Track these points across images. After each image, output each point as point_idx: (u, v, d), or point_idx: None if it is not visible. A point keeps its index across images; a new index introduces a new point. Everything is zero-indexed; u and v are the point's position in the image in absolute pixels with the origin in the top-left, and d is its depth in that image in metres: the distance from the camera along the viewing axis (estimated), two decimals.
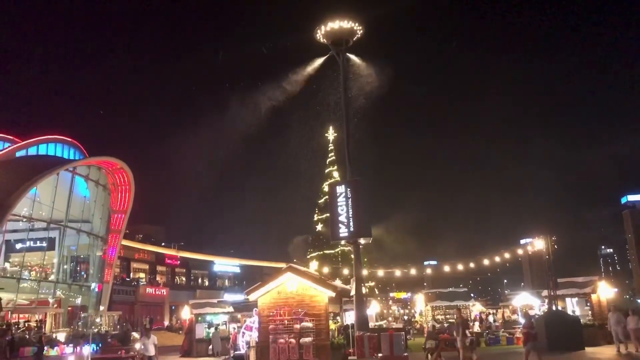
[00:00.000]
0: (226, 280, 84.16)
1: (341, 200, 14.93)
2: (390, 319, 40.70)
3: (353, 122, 15.69)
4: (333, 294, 14.80)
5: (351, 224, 14.77)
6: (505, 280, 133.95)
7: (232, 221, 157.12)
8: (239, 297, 51.66)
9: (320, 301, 14.94)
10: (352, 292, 14.63)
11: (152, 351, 16.61)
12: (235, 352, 15.68)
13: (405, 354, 13.69)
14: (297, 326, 14.62)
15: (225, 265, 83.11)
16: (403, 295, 78.94)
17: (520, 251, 29.25)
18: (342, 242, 23.67)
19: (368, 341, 13.39)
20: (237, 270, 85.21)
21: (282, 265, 64.36)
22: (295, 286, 15.09)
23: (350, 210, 14.76)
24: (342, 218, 14.90)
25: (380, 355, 13.33)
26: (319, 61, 17.97)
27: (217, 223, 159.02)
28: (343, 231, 14.98)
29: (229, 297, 52.08)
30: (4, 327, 33.87)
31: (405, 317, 51.91)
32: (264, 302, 15.26)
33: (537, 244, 25.58)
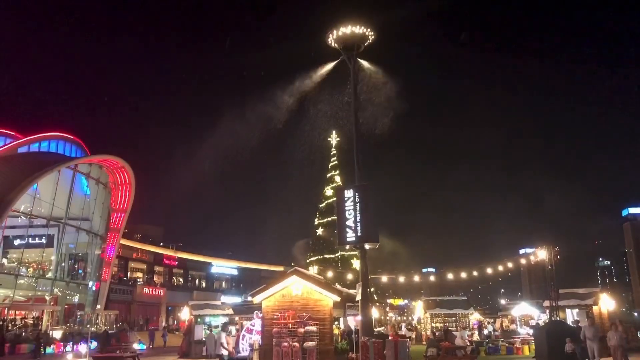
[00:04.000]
0: (223, 282, 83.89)
1: (349, 204, 14.87)
2: (396, 328, 40.46)
3: (361, 128, 15.71)
4: (338, 299, 14.73)
5: (358, 228, 14.71)
6: (502, 290, 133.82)
7: (231, 224, 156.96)
8: (236, 299, 51.65)
9: (325, 305, 14.86)
10: (358, 297, 14.56)
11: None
12: (238, 355, 15.56)
13: None
14: (301, 330, 14.54)
15: (223, 267, 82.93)
16: (400, 302, 78.76)
17: (523, 261, 29.13)
18: (347, 247, 23.80)
19: (373, 347, 13.33)
20: (235, 272, 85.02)
21: (280, 268, 64.38)
22: (300, 290, 15.03)
23: (358, 215, 14.70)
24: (350, 223, 14.83)
25: None
26: (329, 66, 17.98)
27: (215, 225, 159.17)
28: (350, 236, 14.91)
29: (226, 299, 52.01)
30: (1, 323, 33.82)
31: (403, 325, 51.75)
32: (268, 305, 15.19)
33: (539, 254, 25.49)
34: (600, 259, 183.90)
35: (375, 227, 14.95)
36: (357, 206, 14.69)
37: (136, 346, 34.08)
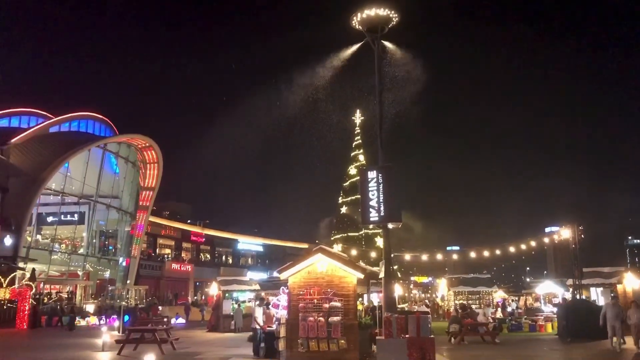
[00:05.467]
0: (249, 259, 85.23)
1: (372, 185, 15.15)
2: (416, 305, 40.93)
3: (387, 108, 15.96)
4: (362, 276, 15.11)
5: (381, 208, 15.01)
6: (527, 268, 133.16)
7: (257, 201, 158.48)
8: (262, 275, 52.56)
9: (349, 282, 15.24)
10: (381, 275, 14.94)
11: None
12: (268, 328, 16.14)
13: (432, 336, 14.00)
14: (326, 305, 14.97)
15: (249, 244, 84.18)
16: (424, 279, 79.08)
17: (548, 239, 29.16)
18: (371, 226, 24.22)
19: (396, 322, 13.73)
20: (261, 249, 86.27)
21: (305, 245, 65.10)
22: (325, 267, 15.40)
23: (381, 196, 14.98)
24: (373, 203, 15.12)
25: (407, 336, 13.68)
26: (353, 48, 18.14)
27: (242, 203, 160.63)
28: (373, 215, 15.22)
29: (252, 275, 53.00)
30: (37, 297, 35.17)
31: (427, 302, 52.14)
32: (294, 281, 15.63)
33: (563, 233, 25.52)
34: (630, 237, 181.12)
35: (398, 207, 15.23)
36: (381, 187, 14.97)
37: (174, 320, 35.50)
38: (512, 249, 31.25)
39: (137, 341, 18.57)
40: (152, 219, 58.84)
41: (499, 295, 40.45)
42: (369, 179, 15.15)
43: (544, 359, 17.30)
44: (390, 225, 15.69)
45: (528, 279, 78.01)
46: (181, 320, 37.41)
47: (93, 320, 35.29)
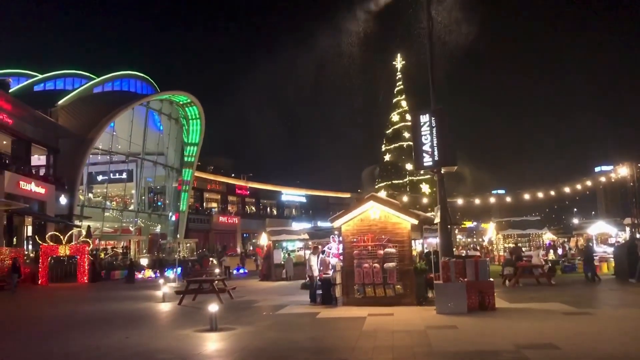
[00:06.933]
0: (293, 210, 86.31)
1: (425, 129, 14.77)
2: (463, 250, 40.72)
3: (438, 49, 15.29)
4: (416, 222, 14.97)
5: (435, 153, 14.69)
6: (575, 209, 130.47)
7: (298, 153, 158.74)
8: (306, 225, 53.16)
9: (403, 228, 15.16)
10: (437, 220, 14.78)
11: None
12: (324, 275, 16.31)
13: (491, 279, 13.88)
14: (381, 252, 14.99)
15: (292, 195, 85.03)
16: (468, 224, 78.51)
17: (603, 179, 28.26)
18: (422, 171, 23.84)
19: (454, 267, 13.64)
20: (304, 200, 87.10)
21: (347, 195, 65.48)
22: (378, 214, 15.34)
23: (435, 140, 14.62)
24: (426, 147, 14.77)
25: (466, 279, 13.60)
26: None
27: (283, 155, 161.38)
28: (427, 160, 14.89)
29: (296, 225, 53.70)
30: (94, 252, 36.56)
31: (472, 246, 51.88)
32: (347, 229, 15.66)
33: (620, 171, 24.64)
34: None
35: (453, 150, 14.87)
36: (434, 130, 14.59)
37: (235, 271, 36.56)
38: (563, 190, 30.47)
39: (196, 292, 19.09)
40: (198, 173, 59.85)
41: (547, 237, 39.87)
42: (422, 123, 14.78)
43: (604, 299, 16.98)
44: (443, 170, 15.37)
45: (576, 220, 76.63)
46: (243, 271, 38.28)
47: (148, 273, 36.54)
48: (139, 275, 35.75)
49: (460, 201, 30.62)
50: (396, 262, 14.86)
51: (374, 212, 15.40)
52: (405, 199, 33.63)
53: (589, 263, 22.04)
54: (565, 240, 42.95)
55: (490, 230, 43.16)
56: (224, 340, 10.96)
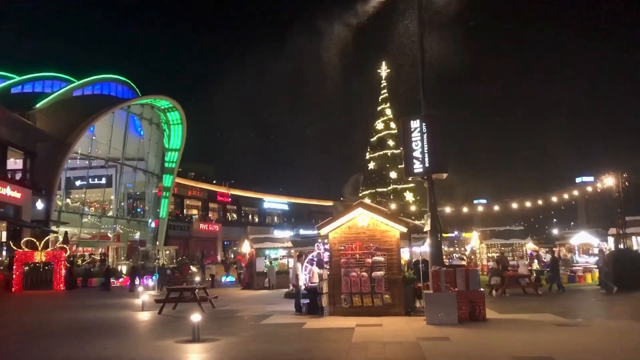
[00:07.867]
0: (275, 217, 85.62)
1: (415, 135, 14.44)
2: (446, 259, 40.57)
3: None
4: (405, 230, 14.65)
5: (426, 159, 14.38)
6: (554, 220, 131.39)
7: (280, 160, 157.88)
8: (288, 233, 52.65)
9: (392, 236, 14.83)
10: (427, 228, 14.46)
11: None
12: (310, 284, 15.89)
13: (482, 289, 13.59)
14: (369, 260, 14.63)
15: (274, 202, 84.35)
16: (450, 234, 78.57)
17: (589, 188, 28.29)
18: (410, 177, 23.46)
19: (445, 276, 13.32)
20: (286, 207, 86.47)
21: (330, 203, 64.70)
22: (366, 221, 14.99)
23: (425, 146, 14.31)
24: (417, 154, 14.44)
25: (456, 289, 13.28)
26: None
27: (265, 162, 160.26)
28: (417, 167, 14.57)
29: (278, 233, 53.10)
30: (71, 259, 35.61)
31: (455, 255, 51.77)
32: (334, 237, 15.27)
33: (605, 181, 24.62)
34: None
35: (444, 157, 14.57)
36: (424, 136, 14.28)
37: (224, 279, 35.83)
38: (549, 199, 30.51)
39: (176, 300, 18.52)
40: (178, 180, 58.95)
41: (529, 247, 39.88)
42: (412, 129, 14.46)
43: (593, 310, 16.80)
44: (433, 177, 15.06)
45: (555, 231, 77.09)
46: (230, 279, 37.47)
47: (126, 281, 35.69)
48: (117, 283, 34.91)
49: (448, 209, 30.47)
50: (384, 271, 14.53)
51: (362, 220, 15.05)
52: (393, 206, 33.34)
53: (555, 274, 22.12)
54: (548, 250, 43.00)
55: (473, 240, 43.07)
56: (208, 352, 10.47)
